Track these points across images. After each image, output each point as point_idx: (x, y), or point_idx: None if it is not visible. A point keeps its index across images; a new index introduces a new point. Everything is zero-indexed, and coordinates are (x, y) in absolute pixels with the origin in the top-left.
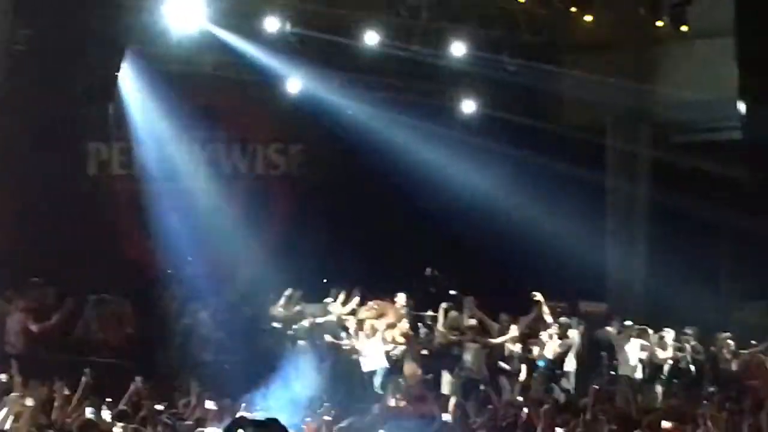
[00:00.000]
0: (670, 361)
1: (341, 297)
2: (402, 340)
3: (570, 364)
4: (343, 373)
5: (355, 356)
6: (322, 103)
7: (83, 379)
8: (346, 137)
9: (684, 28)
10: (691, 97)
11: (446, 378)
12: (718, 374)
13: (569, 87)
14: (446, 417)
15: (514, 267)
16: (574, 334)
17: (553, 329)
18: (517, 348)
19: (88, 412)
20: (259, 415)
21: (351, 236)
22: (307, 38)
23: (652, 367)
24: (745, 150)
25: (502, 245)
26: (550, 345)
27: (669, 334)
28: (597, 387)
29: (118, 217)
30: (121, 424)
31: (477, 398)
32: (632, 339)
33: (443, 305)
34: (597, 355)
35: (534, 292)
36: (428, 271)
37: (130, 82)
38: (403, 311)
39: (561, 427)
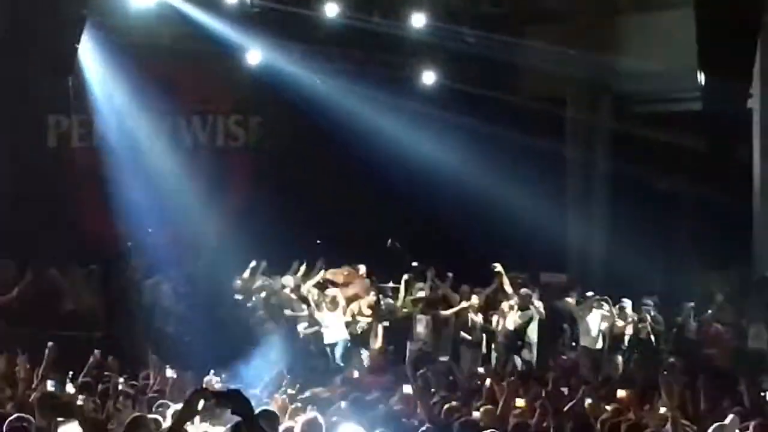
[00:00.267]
0: (631, 332)
1: (303, 269)
2: (368, 312)
3: (532, 335)
4: (304, 346)
5: (316, 328)
6: (281, 74)
7: (47, 352)
8: (306, 109)
9: None
10: (650, 69)
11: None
12: (680, 344)
13: (529, 58)
14: (407, 389)
15: (474, 238)
16: (534, 306)
17: (514, 300)
18: (478, 319)
19: (50, 385)
20: (220, 387)
21: (312, 208)
22: (266, 10)
23: (613, 337)
24: (705, 121)
25: (463, 216)
26: (510, 316)
27: (628, 305)
28: (561, 357)
29: (78, 189)
30: (82, 396)
31: (431, 370)
32: (593, 310)
33: (405, 277)
34: (558, 326)
35: (494, 264)
36: (389, 242)
37: (89, 54)
38: (368, 283)
39: (522, 397)
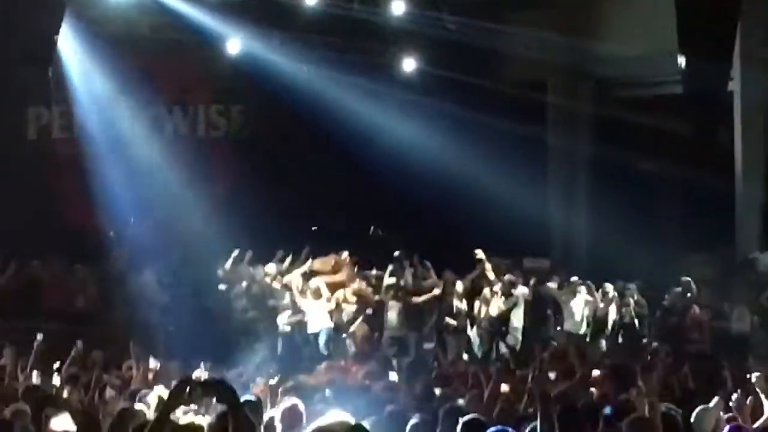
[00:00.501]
0: (614, 316)
1: (289, 259)
2: (353, 299)
3: (516, 321)
4: (287, 335)
5: (299, 317)
6: (262, 63)
7: (35, 345)
8: (287, 97)
9: None
10: (631, 53)
11: None
12: (663, 328)
13: (509, 44)
14: (393, 376)
15: (457, 224)
16: (518, 291)
17: (498, 286)
18: (463, 305)
19: (35, 377)
20: (205, 377)
21: (294, 196)
22: None
23: (596, 321)
24: (687, 104)
25: (445, 202)
26: (494, 302)
27: (611, 289)
28: (548, 343)
29: (59, 180)
30: (68, 387)
31: (416, 357)
32: (576, 294)
33: (390, 267)
34: (542, 311)
35: (476, 250)
36: (372, 229)
37: (69, 44)
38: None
39: (507, 383)
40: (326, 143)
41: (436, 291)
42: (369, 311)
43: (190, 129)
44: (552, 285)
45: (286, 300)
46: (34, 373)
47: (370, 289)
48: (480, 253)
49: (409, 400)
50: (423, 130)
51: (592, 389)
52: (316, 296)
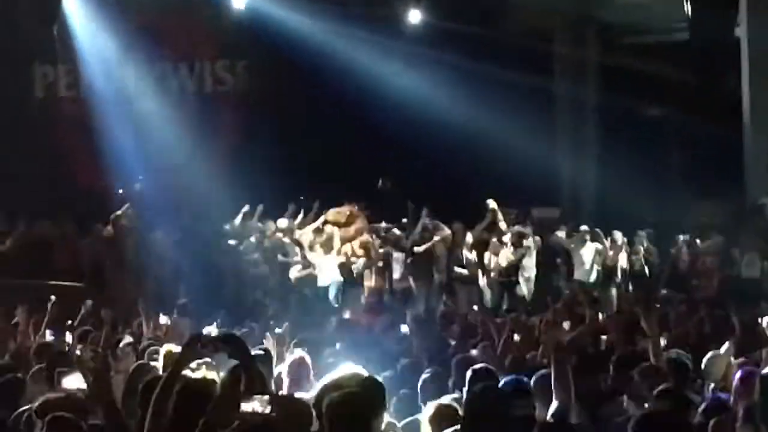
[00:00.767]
0: (624, 264)
1: (301, 213)
2: (361, 252)
3: (526, 271)
4: (298, 288)
5: (309, 270)
6: (266, 17)
7: (49, 306)
8: (292, 51)
9: None
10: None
11: None
12: (673, 276)
13: None
14: (404, 328)
15: (465, 175)
16: (528, 241)
17: (507, 237)
18: (472, 256)
19: (48, 335)
20: (217, 332)
21: (302, 150)
22: None
23: (606, 270)
24: (693, 50)
25: (453, 154)
26: (503, 252)
27: (620, 237)
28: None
29: (66, 138)
30: (80, 345)
31: (425, 309)
32: (586, 243)
33: (404, 220)
34: (552, 260)
35: (488, 200)
36: (380, 182)
37: (74, 3)
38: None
39: (518, 333)
40: (332, 96)
41: (436, 238)
42: (380, 263)
43: (197, 85)
44: (561, 234)
45: (296, 254)
46: (47, 332)
47: (378, 241)
48: (492, 203)
49: (420, 352)
50: (429, 82)
51: (603, 336)
52: (326, 248)
